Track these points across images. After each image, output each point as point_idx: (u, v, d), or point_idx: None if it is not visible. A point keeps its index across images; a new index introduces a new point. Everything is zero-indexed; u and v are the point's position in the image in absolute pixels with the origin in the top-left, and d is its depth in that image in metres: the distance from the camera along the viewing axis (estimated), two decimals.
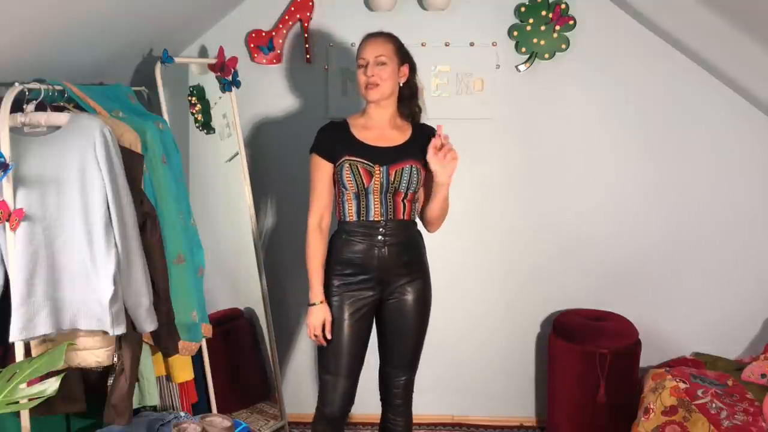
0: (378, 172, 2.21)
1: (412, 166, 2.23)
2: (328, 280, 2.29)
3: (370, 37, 2.27)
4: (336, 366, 2.26)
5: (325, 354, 2.29)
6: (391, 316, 2.30)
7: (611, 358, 2.77)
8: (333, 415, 2.29)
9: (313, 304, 2.24)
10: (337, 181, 2.26)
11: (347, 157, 2.22)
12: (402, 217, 2.26)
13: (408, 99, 2.33)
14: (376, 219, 2.23)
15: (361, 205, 2.24)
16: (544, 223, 3.10)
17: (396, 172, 2.22)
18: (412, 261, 2.29)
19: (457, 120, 2.96)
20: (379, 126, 2.29)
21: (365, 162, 2.21)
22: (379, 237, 2.24)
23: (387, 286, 2.27)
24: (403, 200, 2.25)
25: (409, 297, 2.29)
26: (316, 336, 2.24)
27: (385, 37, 2.27)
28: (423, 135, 2.31)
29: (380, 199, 2.22)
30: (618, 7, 2.91)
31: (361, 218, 2.24)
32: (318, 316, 2.23)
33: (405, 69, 2.28)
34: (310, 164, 2.29)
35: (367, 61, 2.22)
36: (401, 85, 2.29)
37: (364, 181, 2.21)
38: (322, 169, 2.26)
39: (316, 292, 2.25)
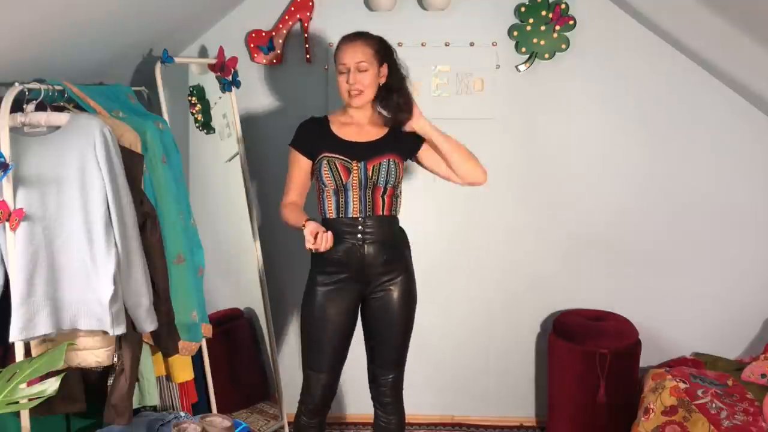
0: (356, 168, 2.23)
1: (390, 160, 2.25)
2: (311, 277, 2.33)
3: (348, 40, 2.26)
4: (318, 362, 2.31)
5: (307, 350, 2.34)
6: (375, 314, 2.32)
7: (611, 358, 2.77)
8: (314, 405, 2.36)
9: (303, 226, 2.11)
10: (316, 178, 2.28)
11: (325, 154, 2.25)
12: (381, 213, 2.27)
13: (388, 93, 2.30)
14: (354, 216, 2.25)
15: (340, 202, 2.26)
16: (545, 223, 3.09)
17: (374, 167, 2.23)
18: (393, 258, 2.29)
19: (457, 120, 2.95)
20: (357, 123, 2.32)
21: (343, 158, 2.24)
22: (359, 234, 2.25)
23: (368, 284, 2.29)
24: (382, 195, 2.26)
25: (393, 294, 2.30)
26: (316, 245, 2.05)
27: (364, 40, 2.26)
28: (399, 127, 2.31)
29: (359, 195, 2.24)
30: (618, 7, 2.91)
31: (341, 215, 2.26)
32: (310, 227, 2.08)
33: (384, 69, 2.29)
34: (288, 157, 2.31)
35: (348, 67, 2.23)
36: (380, 85, 2.29)
37: (342, 178, 2.23)
38: (298, 164, 2.31)
39: (300, 218, 2.14)
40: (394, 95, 2.29)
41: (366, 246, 2.25)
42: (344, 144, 2.27)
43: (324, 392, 2.34)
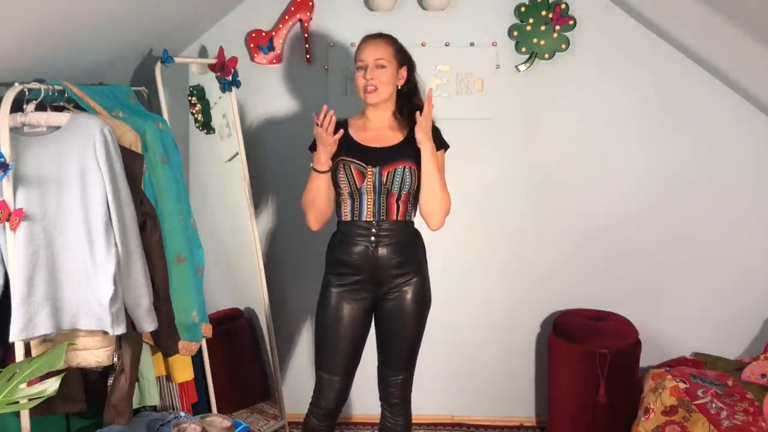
0: (371, 173, 2.23)
1: (405, 166, 2.23)
2: (325, 279, 2.33)
3: (370, 38, 2.28)
4: (331, 364, 2.30)
5: (321, 352, 2.33)
6: (388, 315, 2.32)
7: (611, 358, 2.77)
8: (328, 409, 2.34)
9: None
10: (333, 181, 2.28)
11: (341, 157, 2.25)
12: (395, 218, 2.26)
13: (407, 98, 2.31)
14: (368, 219, 2.25)
15: (354, 206, 2.26)
16: (545, 224, 3.09)
17: (389, 173, 2.23)
18: (406, 261, 2.28)
19: (457, 120, 2.96)
20: (376, 127, 2.31)
21: (358, 163, 2.24)
22: (372, 237, 2.25)
23: (381, 287, 2.29)
24: (396, 201, 2.25)
25: (406, 297, 2.29)
26: (321, 122, 2.15)
27: (385, 39, 2.28)
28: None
29: (373, 200, 2.24)
30: (618, 7, 2.91)
31: (355, 218, 2.26)
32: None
33: (403, 71, 2.29)
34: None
35: (366, 63, 2.23)
36: (399, 87, 2.29)
37: (357, 182, 2.23)
38: None
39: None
40: (406, 101, 2.30)
41: (379, 248, 2.25)
42: (361, 148, 2.26)
43: (337, 396, 2.33)
